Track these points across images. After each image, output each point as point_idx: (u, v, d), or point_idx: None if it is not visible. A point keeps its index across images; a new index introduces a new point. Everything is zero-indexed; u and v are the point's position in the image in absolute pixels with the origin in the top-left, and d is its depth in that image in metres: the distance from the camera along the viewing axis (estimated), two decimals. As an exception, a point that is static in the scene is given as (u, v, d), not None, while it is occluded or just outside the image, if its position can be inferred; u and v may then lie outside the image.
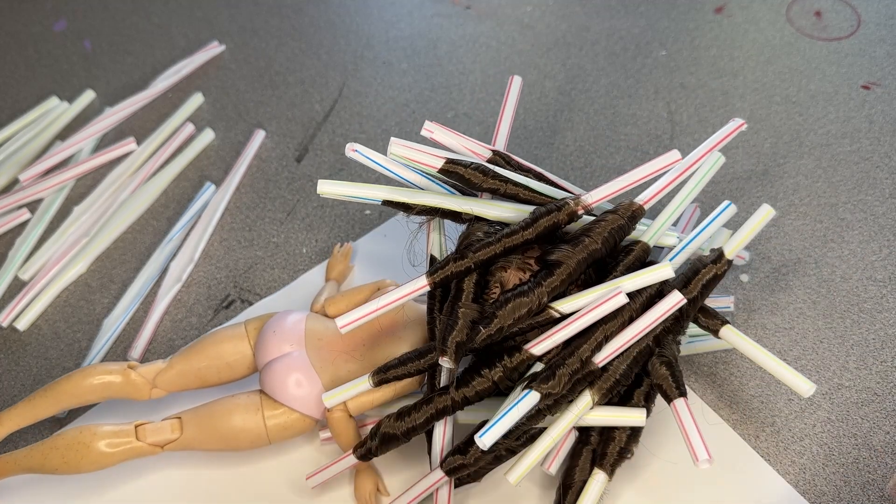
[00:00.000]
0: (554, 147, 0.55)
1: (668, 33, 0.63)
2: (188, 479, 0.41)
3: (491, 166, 0.39)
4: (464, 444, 0.36)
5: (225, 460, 0.42)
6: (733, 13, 0.64)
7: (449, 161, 0.38)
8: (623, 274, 0.36)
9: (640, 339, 0.36)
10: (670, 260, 0.38)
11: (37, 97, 0.61)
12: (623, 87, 0.59)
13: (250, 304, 0.48)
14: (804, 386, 0.37)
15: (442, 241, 0.40)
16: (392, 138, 0.38)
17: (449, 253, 0.38)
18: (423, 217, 0.39)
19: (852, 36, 0.61)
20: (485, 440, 0.33)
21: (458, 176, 0.38)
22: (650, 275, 0.35)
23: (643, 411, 0.36)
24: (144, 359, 0.46)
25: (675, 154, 0.38)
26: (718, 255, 0.38)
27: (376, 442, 0.37)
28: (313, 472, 0.39)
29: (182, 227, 0.52)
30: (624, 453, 0.37)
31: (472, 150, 0.41)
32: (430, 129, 0.40)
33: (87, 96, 0.61)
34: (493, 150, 0.41)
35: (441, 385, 0.38)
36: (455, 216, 0.38)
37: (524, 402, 0.34)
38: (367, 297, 0.41)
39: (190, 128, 0.58)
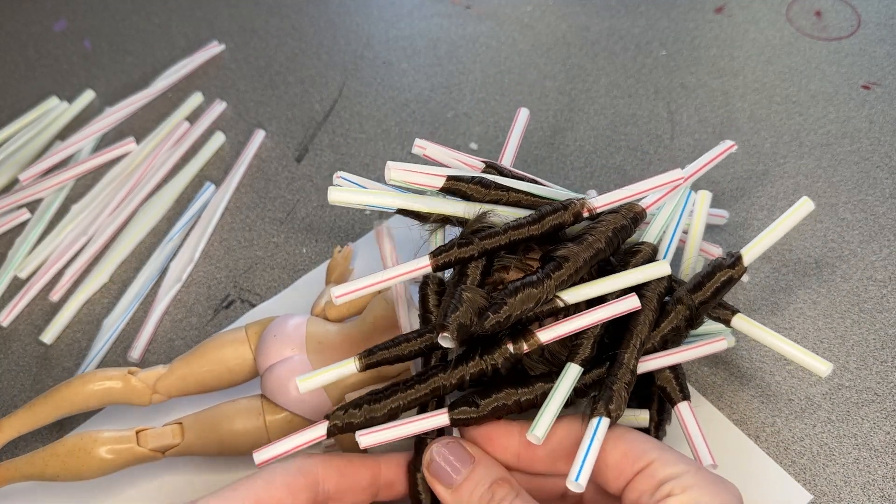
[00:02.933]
0: (554, 147, 0.55)
1: (668, 33, 0.63)
2: (189, 485, 0.41)
3: (490, 178, 0.39)
4: (473, 397, 0.35)
5: (227, 465, 0.42)
6: (733, 13, 0.64)
7: (450, 178, 0.38)
8: None
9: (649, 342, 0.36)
10: (663, 258, 0.38)
11: (37, 97, 0.61)
12: (623, 87, 0.59)
13: (251, 304, 0.48)
14: (822, 367, 0.37)
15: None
16: (389, 163, 0.37)
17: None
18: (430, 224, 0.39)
19: (852, 36, 0.61)
20: (582, 482, 0.31)
21: (461, 193, 0.38)
22: (647, 271, 0.35)
23: (646, 412, 0.36)
24: (144, 359, 0.46)
25: (678, 172, 0.38)
26: (736, 258, 0.37)
27: (345, 419, 0.35)
28: (263, 448, 0.34)
29: (182, 227, 0.52)
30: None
31: (466, 163, 0.41)
32: (423, 146, 0.40)
33: (87, 96, 0.61)
34: (486, 162, 0.41)
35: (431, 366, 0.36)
36: (466, 223, 0.38)
37: (600, 430, 0.33)
38: (368, 298, 0.41)
39: (201, 129, 0.58)
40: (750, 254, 0.38)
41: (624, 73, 0.60)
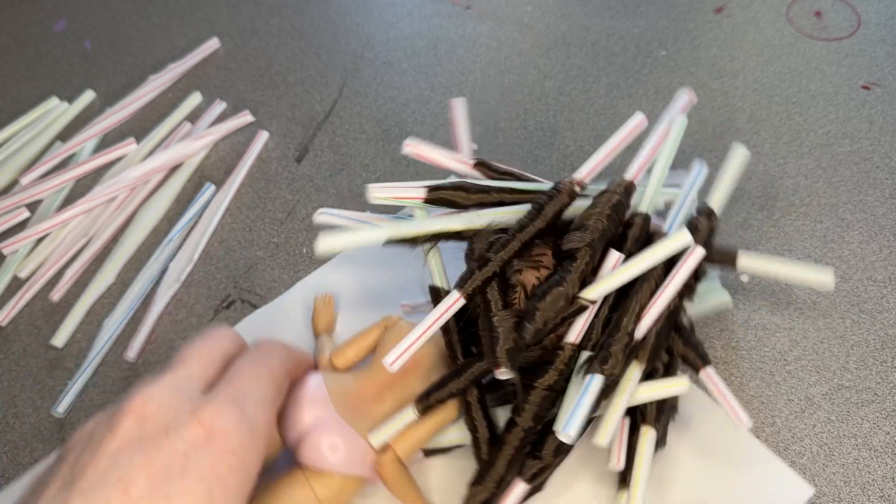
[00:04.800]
0: (554, 147, 0.55)
1: (668, 33, 0.63)
2: None
3: (470, 181, 0.39)
4: (534, 450, 0.36)
5: None
6: (733, 13, 0.64)
7: (431, 189, 0.38)
8: (635, 247, 0.37)
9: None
10: (668, 229, 0.39)
11: (37, 97, 0.61)
12: (623, 87, 0.59)
13: (251, 304, 0.48)
14: (826, 278, 0.40)
15: (441, 269, 0.40)
16: (370, 185, 0.38)
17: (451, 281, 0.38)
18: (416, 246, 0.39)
19: (852, 36, 0.61)
20: (571, 433, 0.33)
21: (445, 201, 0.38)
22: (672, 243, 0.36)
23: (685, 378, 0.37)
24: (144, 359, 0.46)
25: (639, 115, 0.40)
26: (708, 212, 0.39)
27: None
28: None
29: (182, 227, 0.52)
30: (663, 408, 0.37)
31: (456, 161, 0.41)
32: (412, 145, 0.40)
33: (87, 96, 0.61)
34: (476, 160, 0.42)
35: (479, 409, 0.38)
36: (457, 235, 0.38)
37: (592, 387, 0.34)
38: (375, 339, 0.40)
39: (201, 129, 0.58)
40: (716, 203, 0.40)
41: (624, 74, 0.60)
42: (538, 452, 0.36)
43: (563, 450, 0.36)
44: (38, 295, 0.50)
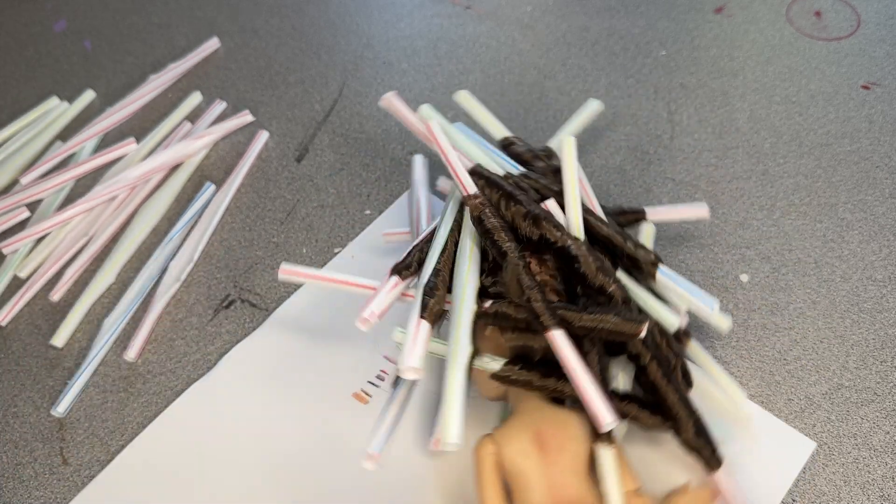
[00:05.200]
0: (554, 147, 0.55)
1: (668, 33, 0.63)
2: None
3: (428, 284, 0.38)
4: (667, 367, 0.38)
5: None
6: (733, 13, 0.64)
7: (422, 318, 0.37)
8: (541, 185, 0.42)
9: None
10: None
11: (37, 97, 0.61)
12: (623, 87, 0.59)
13: (251, 303, 0.48)
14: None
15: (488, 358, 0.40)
16: (403, 368, 0.35)
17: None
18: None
19: (852, 36, 0.61)
20: (715, 305, 0.38)
21: (439, 310, 0.38)
22: (569, 151, 0.41)
23: (650, 224, 0.46)
24: (144, 358, 0.46)
25: (432, 121, 0.43)
26: (511, 140, 0.47)
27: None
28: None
29: (182, 226, 0.52)
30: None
31: (387, 291, 0.40)
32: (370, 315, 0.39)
33: (87, 96, 0.61)
34: (392, 270, 0.40)
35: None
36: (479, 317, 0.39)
37: (670, 275, 0.39)
38: (497, 472, 0.36)
39: (201, 129, 0.58)
40: (500, 134, 0.47)
41: (624, 73, 0.60)
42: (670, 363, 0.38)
43: (679, 346, 0.40)
44: (38, 295, 0.50)
